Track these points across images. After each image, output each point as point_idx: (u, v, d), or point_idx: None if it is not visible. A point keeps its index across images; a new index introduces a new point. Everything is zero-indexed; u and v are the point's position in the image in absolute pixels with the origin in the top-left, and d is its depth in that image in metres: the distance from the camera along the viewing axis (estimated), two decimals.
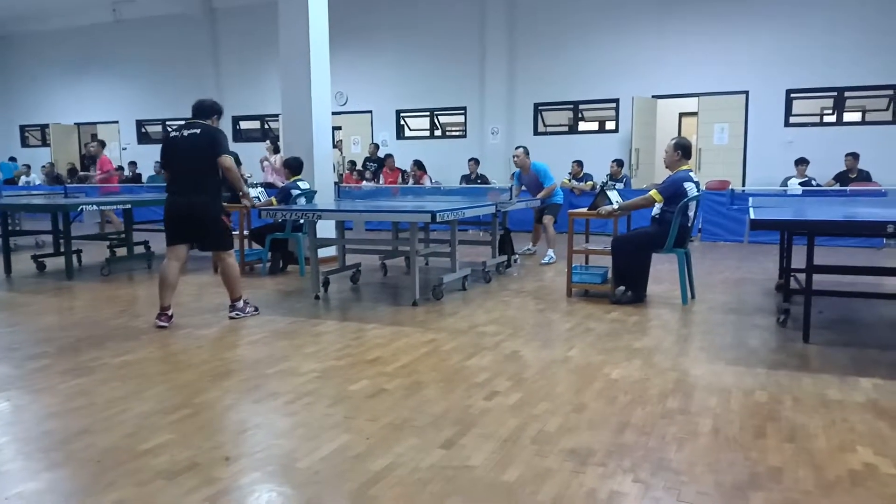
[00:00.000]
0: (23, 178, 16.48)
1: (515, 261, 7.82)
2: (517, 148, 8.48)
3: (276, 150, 11.77)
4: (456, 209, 5.87)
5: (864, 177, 10.67)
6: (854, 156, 10.69)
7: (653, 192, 5.75)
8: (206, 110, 5.19)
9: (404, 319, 5.23)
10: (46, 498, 2.45)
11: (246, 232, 7.65)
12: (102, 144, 12.07)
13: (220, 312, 5.51)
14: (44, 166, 17.29)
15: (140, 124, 17.84)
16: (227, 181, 5.20)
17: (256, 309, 5.46)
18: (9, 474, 2.64)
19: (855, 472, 2.59)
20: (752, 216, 4.54)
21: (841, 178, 10.79)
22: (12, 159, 17.98)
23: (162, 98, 17.26)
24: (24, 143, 19.36)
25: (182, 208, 5.06)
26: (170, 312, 5.12)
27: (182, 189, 5.06)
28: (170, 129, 5.24)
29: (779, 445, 2.83)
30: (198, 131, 5.05)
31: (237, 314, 5.32)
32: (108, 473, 2.62)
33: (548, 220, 8.30)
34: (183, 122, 5.21)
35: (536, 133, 13.91)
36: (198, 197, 5.05)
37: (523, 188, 8.49)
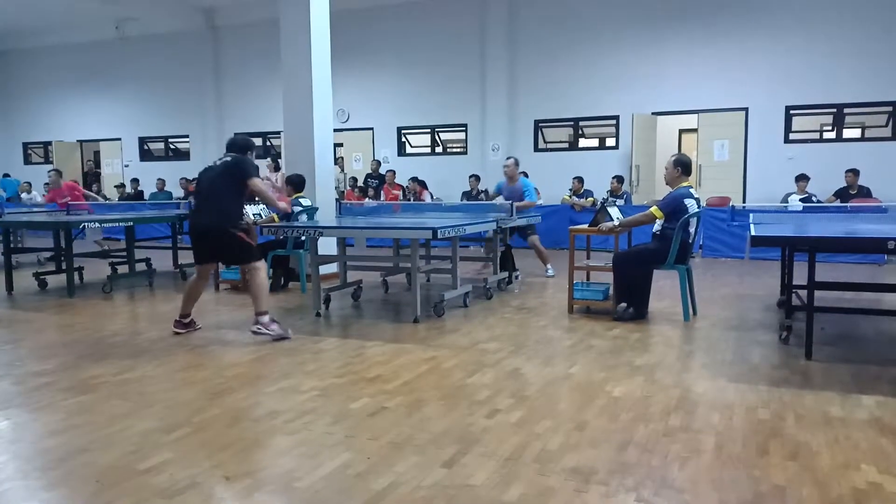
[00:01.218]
0: (24, 196, 16.52)
1: (516, 277, 7.82)
2: (509, 158, 8.58)
3: (276, 168, 11.80)
4: (457, 226, 5.88)
5: (865, 193, 10.68)
6: (854, 172, 10.71)
7: (653, 209, 5.76)
8: (237, 146, 5.43)
9: (405, 336, 5.22)
10: None
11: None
12: (59, 174, 12.07)
13: (220, 330, 5.51)
14: (46, 183, 17.30)
15: (142, 141, 17.92)
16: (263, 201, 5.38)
17: (286, 332, 5.17)
18: (7, 493, 2.63)
19: (859, 490, 2.57)
20: (753, 232, 4.55)
21: (841, 194, 10.80)
22: (6, 175, 17.95)
23: (164, 115, 17.36)
24: (27, 161, 19.43)
25: (198, 227, 5.30)
26: (186, 321, 5.42)
27: (200, 209, 5.32)
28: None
29: (782, 463, 2.81)
30: (229, 158, 5.33)
31: (258, 329, 5.13)
32: (108, 493, 2.61)
33: (534, 238, 8.32)
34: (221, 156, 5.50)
35: (537, 150, 13.96)
36: (212, 216, 5.19)
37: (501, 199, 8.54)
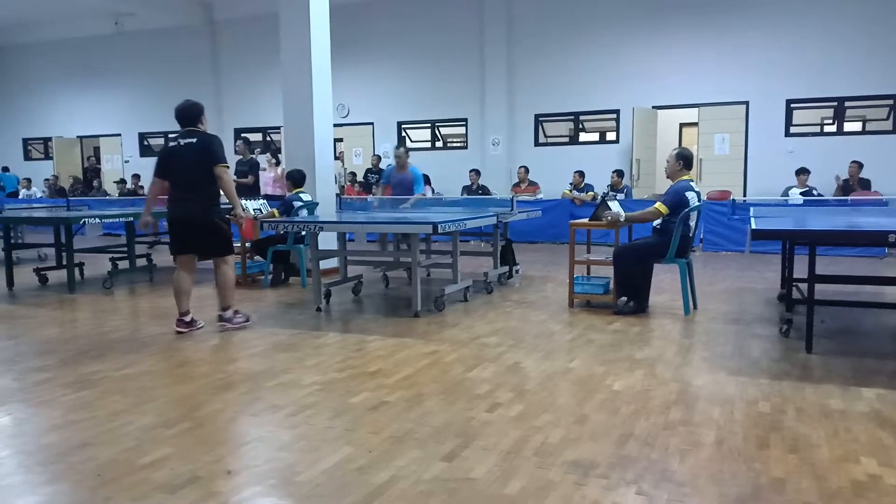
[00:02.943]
0: (23, 192, 16.52)
1: (517, 271, 7.82)
2: (399, 147, 8.60)
3: (276, 163, 11.79)
4: (458, 220, 5.88)
5: (864, 185, 10.68)
6: (858, 164, 10.71)
7: (658, 205, 5.71)
8: (190, 116, 5.22)
9: (406, 331, 5.22)
10: None
11: (248, 244, 7.65)
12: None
13: (220, 325, 5.51)
14: (46, 179, 17.32)
15: (142, 137, 17.89)
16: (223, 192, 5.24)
17: (248, 319, 5.44)
18: (9, 488, 2.63)
19: (858, 482, 2.58)
20: (754, 226, 4.54)
21: (842, 184, 10.81)
22: (5, 169, 17.84)
23: (164, 110, 17.15)
24: (27, 157, 19.42)
25: (182, 217, 5.16)
26: (187, 318, 5.25)
27: (182, 198, 5.16)
28: (170, 139, 5.29)
29: (782, 456, 2.82)
30: (194, 140, 5.13)
31: (223, 325, 5.34)
32: (108, 487, 2.61)
33: None
34: (179, 132, 5.25)
35: (537, 144, 13.95)
36: (196, 205, 5.14)
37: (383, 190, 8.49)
